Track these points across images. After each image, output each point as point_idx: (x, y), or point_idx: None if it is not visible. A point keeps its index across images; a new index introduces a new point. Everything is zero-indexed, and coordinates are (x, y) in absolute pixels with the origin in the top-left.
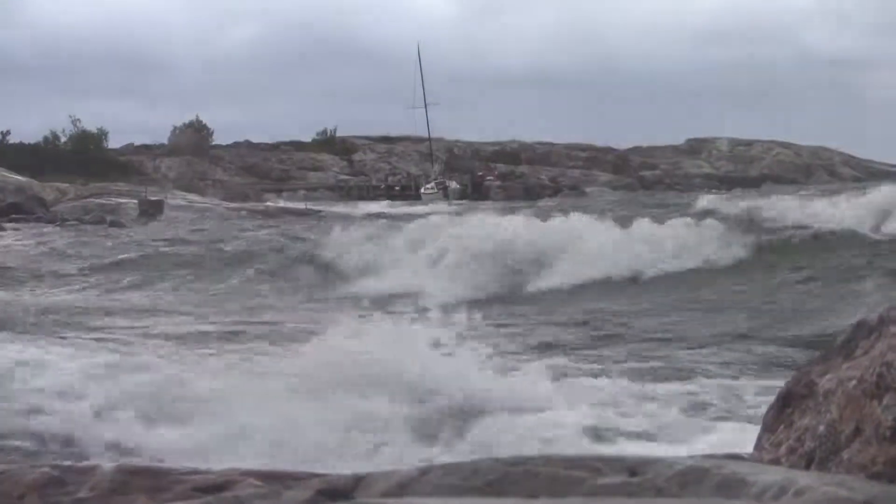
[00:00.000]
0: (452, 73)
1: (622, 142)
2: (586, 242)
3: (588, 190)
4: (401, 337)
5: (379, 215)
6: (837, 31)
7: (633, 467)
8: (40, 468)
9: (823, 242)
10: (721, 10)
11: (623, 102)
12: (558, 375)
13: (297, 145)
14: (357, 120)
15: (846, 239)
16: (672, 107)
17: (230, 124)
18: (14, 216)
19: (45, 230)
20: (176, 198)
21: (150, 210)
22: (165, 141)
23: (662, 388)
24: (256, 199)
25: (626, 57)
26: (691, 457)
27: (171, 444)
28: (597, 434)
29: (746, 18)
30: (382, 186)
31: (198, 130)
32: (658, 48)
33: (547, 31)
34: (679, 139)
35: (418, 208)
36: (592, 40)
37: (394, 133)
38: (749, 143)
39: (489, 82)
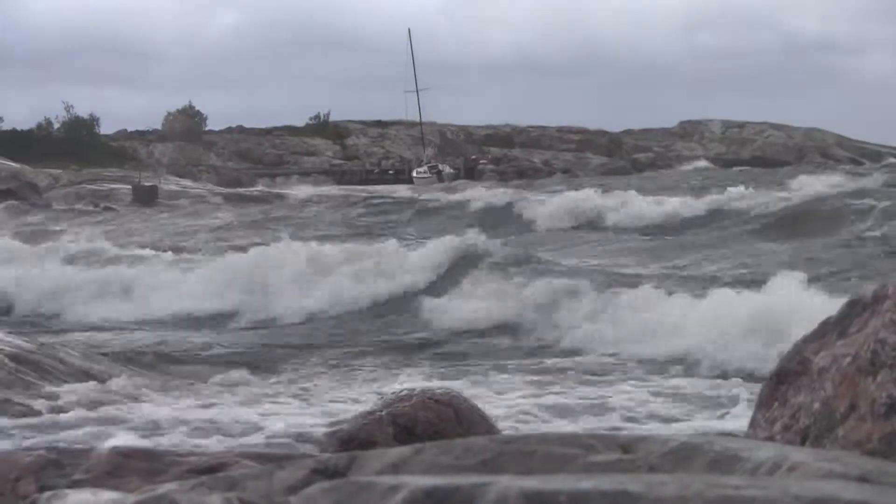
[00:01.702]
0: (444, 58)
1: (615, 125)
2: None
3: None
4: None
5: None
6: (826, 15)
7: (627, 445)
8: (37, 451)
9: None
10: None
11: (615, 86)
12: None
13: (291, 130)
14: (349, 105)
15: None
16: (665, 90)
17: (223, 110)
18: (7, 202)
19: None
20: (169, 183)
21: (145, 196)
22: (158, 127)
23: None
24: (250, 184)
25: (617, 41)
26: (684, 434)
27: None
28: None
29: (734, 2)
30: (376, 171)
31: (191, 116)
32: (648, 32)
33: (538, 15)
34: (672, 122)
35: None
36: (582, 25)
37: (386, 117)
38: (741, 126)
39: (481, 67)
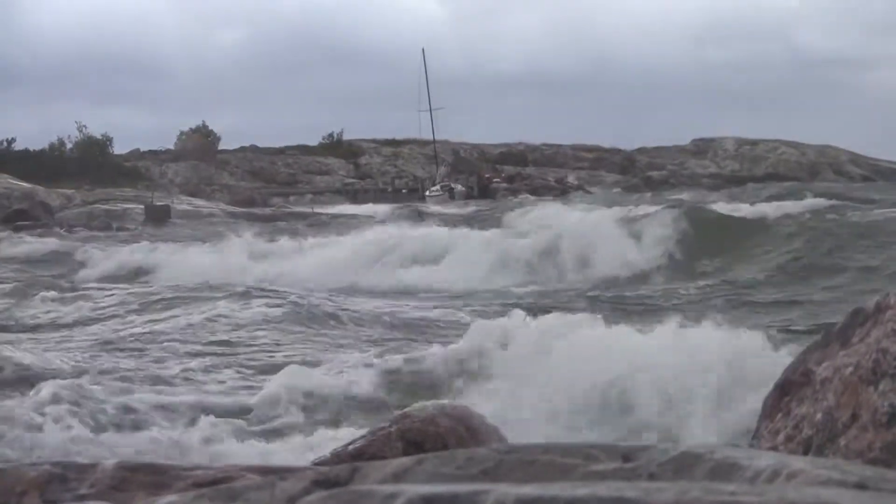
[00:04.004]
0: (456, 75)
1: (629, 142)
2: None
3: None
4: None
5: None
6: (838, 30)
7: (627, 454)
8: (42, 465)
9: None
10: (718, 9)
11: (628, 103)
12: None
13: (304, 149)
14: (362, 124)
15: None
16: (678, 107)
17: (236, 129)
18: (20, 223)
19: None
20: (182, 203)
21: (157, 215)
22: (171, 146)
23: None
24: (263, 203)
25: (628, 58)
26: (686, 443)
27: None
28: None
29: (744, 18)
30: (389, 189)
31: (204, 135)
32: (659, 49)
33: (548, 33)
34: (685, 139)
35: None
36: (593, 41)
37: (399, 136)
38: (754, 143)
39: (493, 85)
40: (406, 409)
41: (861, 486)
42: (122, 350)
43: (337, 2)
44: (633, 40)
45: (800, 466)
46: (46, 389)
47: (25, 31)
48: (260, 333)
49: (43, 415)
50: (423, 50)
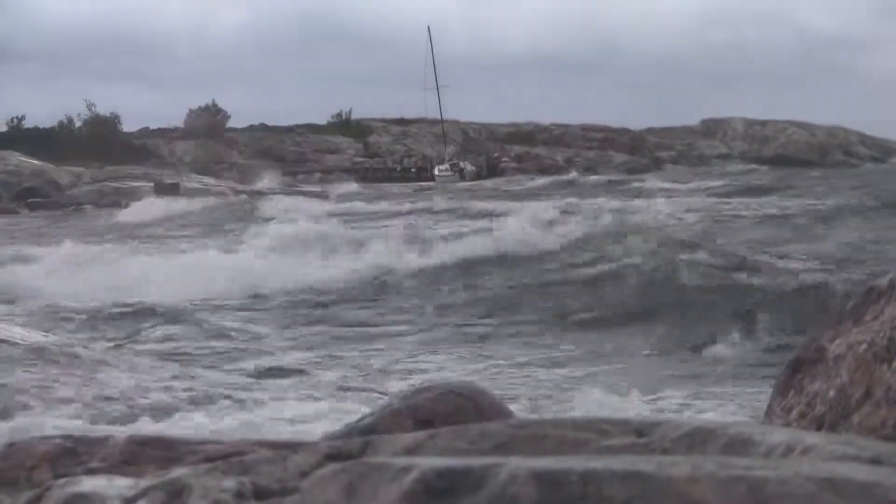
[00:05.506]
0: (464, 56)
1: (637, 123)
2: None
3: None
4: None
5: None
6: (842, 12)
7: (640, 429)
8: (52, 439)
9: None
10: None
11: (637, 84)
12: None
13: (313, 128)
14: (370, 103)
15: None
16: (686, 88)
17: (244, 109)
18: (30, 200)
19: None
20: (192, 181)
21: (167, 193)
22: (180, 124)
23: None
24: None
25: (636, 39)
26: (699, 418)
27: None
28: None
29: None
30: (398, 169)
31: (213, 114)
32: (666, 30)
33: (554, 13)
34: (694, 120)
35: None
36: (600, 21)
37: (407, 115)
38: (764, 123)
39: (501, 66)
40: (414, 387)
41: (875, 461)
42: None
43: None
44: (642, 21)
45: (814, 442)
46: None
47: (33, 9)
48: None
49: None
50: (428, 27)
